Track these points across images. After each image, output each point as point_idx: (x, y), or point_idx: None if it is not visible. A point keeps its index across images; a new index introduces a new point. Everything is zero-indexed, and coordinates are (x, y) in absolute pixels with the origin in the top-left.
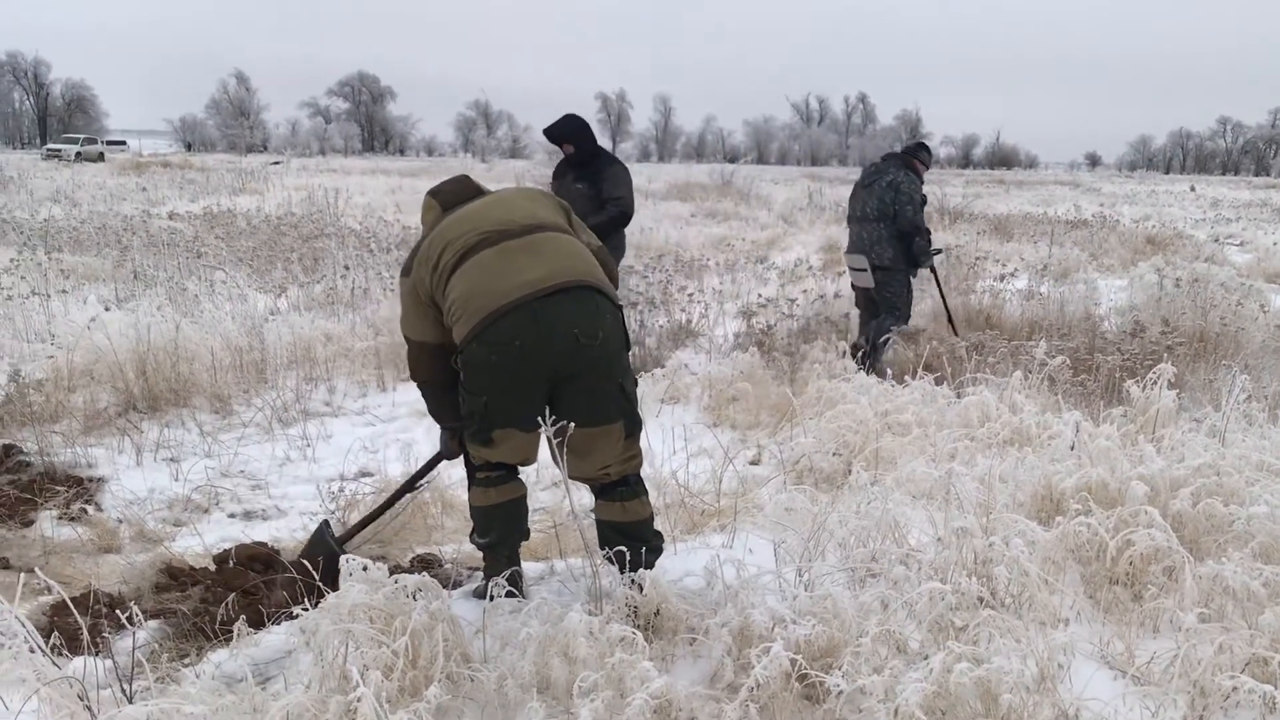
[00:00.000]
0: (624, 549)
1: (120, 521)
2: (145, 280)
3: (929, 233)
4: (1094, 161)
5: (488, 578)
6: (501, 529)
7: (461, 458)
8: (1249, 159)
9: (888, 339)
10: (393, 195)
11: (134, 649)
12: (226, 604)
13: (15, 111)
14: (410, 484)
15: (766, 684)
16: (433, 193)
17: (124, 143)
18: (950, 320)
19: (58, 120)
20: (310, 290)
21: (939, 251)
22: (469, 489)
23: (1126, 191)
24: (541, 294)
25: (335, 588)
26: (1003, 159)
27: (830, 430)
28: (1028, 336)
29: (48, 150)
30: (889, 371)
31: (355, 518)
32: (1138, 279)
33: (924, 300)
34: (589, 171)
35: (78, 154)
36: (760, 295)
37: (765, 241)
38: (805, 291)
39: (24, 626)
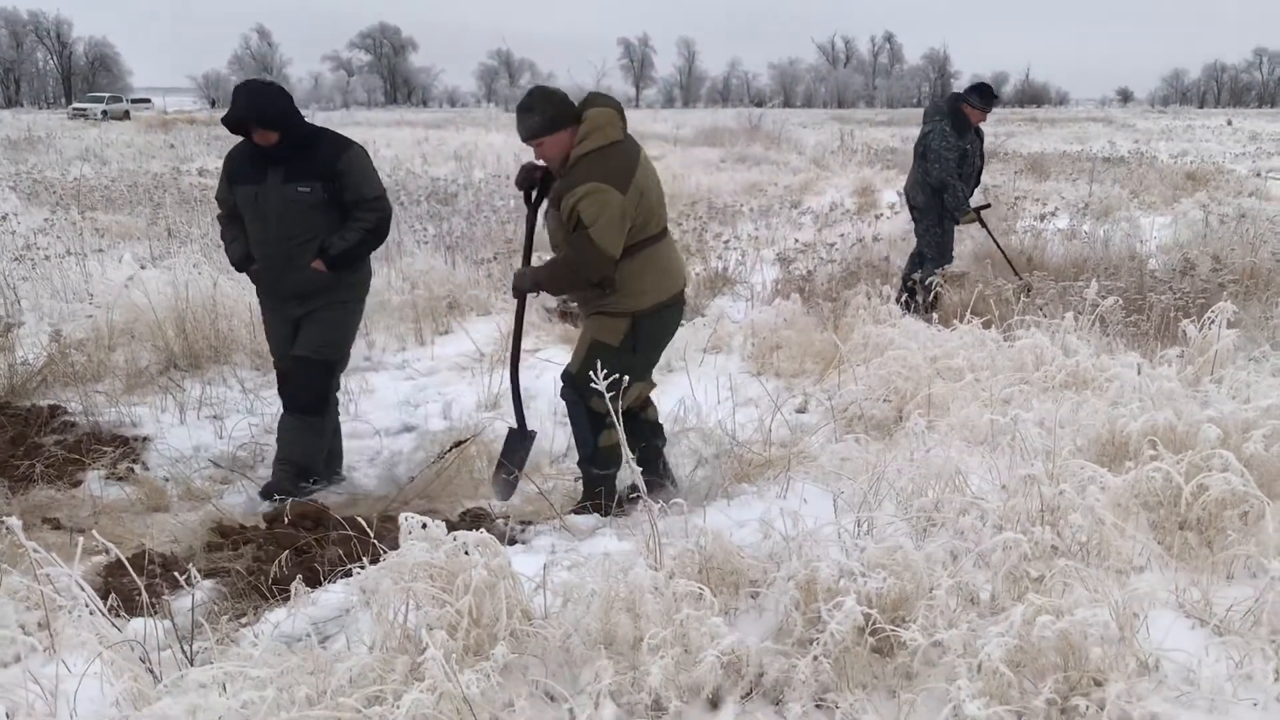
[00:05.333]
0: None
1: (167, 480)
2: (180, 237)
3: (961, 189)
4: (1126, 97)
5: (586, 500)
6: (620, 463)
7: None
8: None
9: (930, 280)
10: (419, 146)
11: (193, 609)
12: (280, 562)
13: (40, 71)
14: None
15: (840, 639)
16: (615, 107)
17: (149, 101)
18: (1011, 265)
19: (82, 79)
20: None
21: (986, 206)
22: (599, 433)
23: (1161, 127)
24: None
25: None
26: (1033, 96)
27: (879, 377)
28: (1074, 277)
29: (74, 109)
30: (934, 316)
31: (403, 471)
32: (1182, 216)
33: (964, 243)
34: (309, 164)
35: (104, 112)
36: (797, 240)
37: (798, 186)
38: (843, 235)
39: (83, 589)
